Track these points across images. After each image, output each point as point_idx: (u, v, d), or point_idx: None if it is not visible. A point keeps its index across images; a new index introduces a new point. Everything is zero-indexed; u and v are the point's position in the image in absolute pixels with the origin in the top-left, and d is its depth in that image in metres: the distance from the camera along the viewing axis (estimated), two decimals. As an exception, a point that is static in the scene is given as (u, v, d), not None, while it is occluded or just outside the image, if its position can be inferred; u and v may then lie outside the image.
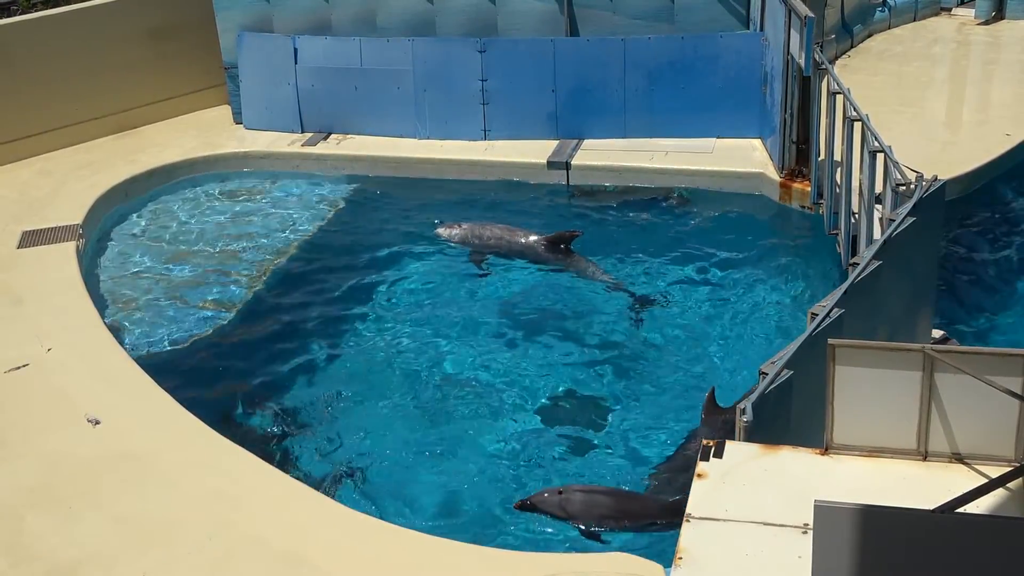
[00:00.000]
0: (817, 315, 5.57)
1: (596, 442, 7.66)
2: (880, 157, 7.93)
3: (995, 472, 4.36)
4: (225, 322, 9.52)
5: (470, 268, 10.09)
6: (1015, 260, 9.75)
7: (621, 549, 6.28)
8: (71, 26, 12.69)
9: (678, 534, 4.25)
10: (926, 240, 7.03)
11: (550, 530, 6.80)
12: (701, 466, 4.58)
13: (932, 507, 3.81)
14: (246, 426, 8.06)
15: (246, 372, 8.83)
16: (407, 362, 8.74)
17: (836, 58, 13.40)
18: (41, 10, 13.94)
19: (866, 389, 4.56)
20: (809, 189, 10.33)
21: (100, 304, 9.51)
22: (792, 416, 5.17)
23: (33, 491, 6.73)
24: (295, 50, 12.62)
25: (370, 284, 10.01)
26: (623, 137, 11.86)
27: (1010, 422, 4.44)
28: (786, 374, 5.03)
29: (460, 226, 10.48)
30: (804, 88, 10.16)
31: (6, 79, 12.30)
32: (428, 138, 12.37)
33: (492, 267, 10.09)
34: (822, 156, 9.91)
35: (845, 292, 5.82)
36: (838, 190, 9.35)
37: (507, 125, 12.16)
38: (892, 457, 4.60)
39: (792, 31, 9.90)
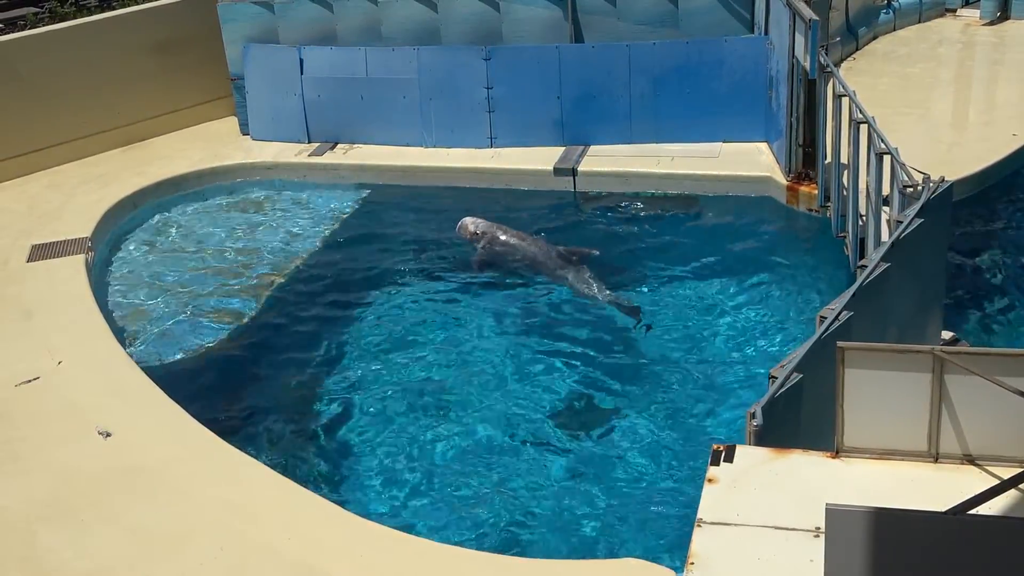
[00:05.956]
0: (826, 318, 5.56)
1: (605, 449, 7.66)
2: (887, 159, 7.92)
3: (1007, 473, 4.35)
4: (235, 332, 9.54)
5: (478, 276, 10.09)
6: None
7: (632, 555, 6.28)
8: (78, 40, 12.74)
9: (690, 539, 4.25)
10: (934, 241, 7.02)
11: (560, 537, 6.81)
12: (712, 471, 4.58)
13: (944, 509, 3.80)
14: (258, 436, 8.07)
15: (256, 382, 8.85)
16: (416, 369, 8.74)
17: (841, 60, 13.39)
18: (48, 24, 14.03)
19: (876, 391, 4.56)
20: (816, 192, 10.32)
21: (110, 316, 9.54)
22: (802, 419, 5.17)
23: (45, 504, 6.75)
24: (301, 60, 12.65)
25: (378, 292, 10.02)
26: (629, 143, 11.86)
27: (1021, 423, 4.43)
28: (796, 378, 5.03)
29: (481, 222, 10.47)
30: (810, 91, 10.16)
31: (14, 94, 12.35)
32: (434, 146, 12.39)
33: (500, 274, 10.09)
34: (829, 159, 9.90)
35: (854, 295, 5.82)
36: (845, 193, 9.34)
37: (513, 132, 12.17)
38: (903, 459, 4.60)
39: (797, 34, 9.90)
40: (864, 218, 8.79)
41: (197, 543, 6.26)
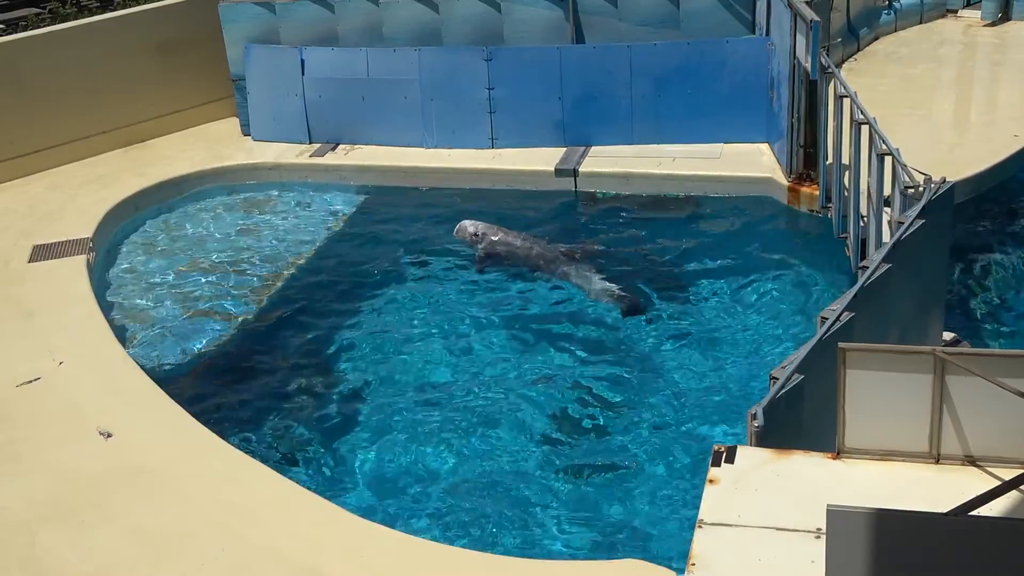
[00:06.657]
0: (827, 319, 5.55)
1: (606, 449, 7.66)
2: (888, 160, 7.92)
3: (1008, 474, 4.34)
4: (236, 333, 9.54)
5: (478, 277, 10.09)
6: (1025, 261, 9.73)
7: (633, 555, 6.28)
8: (79, 41, 12.74)
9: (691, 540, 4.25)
10: (935, 242, 7.01)
11: (561, 537, 6.81)
12: (713, 471, 4.58)
13: (945, 510, 3.80)
14: (258, 437, 8.08)
15: (256, 383, 8.85)
16: (417, 370, 8.74)
17: (842, 61, 13.39)
18: (49, 25, 14.03)
19: (877, 392, 4.55)
20: (817, 193, 10.32)
21: (111, 317, 9.54)
22: (803, 420, 5.16)
23: (46, 505, 6.75)
24: (302, 61, 12.65)
25: (381, 293, 10.03)
26: (630, 143, 11.86)
27: (1022, 424, 4.43)
28: (797, 378, 5.02)
29: (480, 224, 10.46)
30: (811, 92, 10.16)
31: (15, 95, 12.35)
32: (435, 147, 12.39)
33: (500, 274, 10.09)
34: (830, 160, 9.89)
35: (855, 296, 5.81)
36: (846, 193, 9.34)
37: (514, 133, 12.17)
38: (904, 460, 4.59)
39: (798, 35, 9.90)
40: (865, 219, 8.79)
41: (198, 544, 6.26)
